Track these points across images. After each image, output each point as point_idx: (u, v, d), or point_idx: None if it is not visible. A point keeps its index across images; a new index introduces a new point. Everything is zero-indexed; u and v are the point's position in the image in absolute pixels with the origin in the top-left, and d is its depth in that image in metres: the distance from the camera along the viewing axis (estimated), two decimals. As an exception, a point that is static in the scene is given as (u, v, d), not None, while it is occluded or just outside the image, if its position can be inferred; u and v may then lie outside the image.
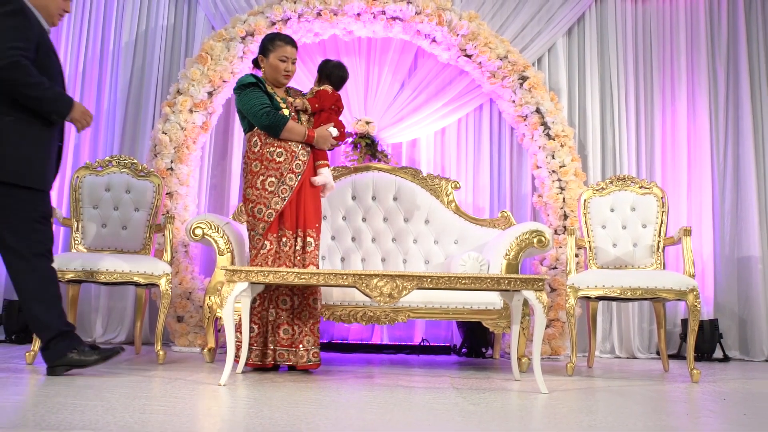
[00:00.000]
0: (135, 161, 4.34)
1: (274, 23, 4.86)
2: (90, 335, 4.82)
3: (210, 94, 4.79)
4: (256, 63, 3.78)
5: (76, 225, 4.18)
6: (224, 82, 4.82)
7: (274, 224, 3.56)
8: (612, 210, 4.26)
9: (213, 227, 4.00)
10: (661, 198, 4.21)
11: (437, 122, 5.25)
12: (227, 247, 3.99)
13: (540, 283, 3.05)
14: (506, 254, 3.99)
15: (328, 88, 3.80)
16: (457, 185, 4.74)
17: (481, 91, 5.19)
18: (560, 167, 4.83)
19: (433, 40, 5.00)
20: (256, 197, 3.57)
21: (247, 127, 3.68)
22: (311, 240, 3.60)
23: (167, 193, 4.65)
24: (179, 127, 4.70)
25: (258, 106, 3.55)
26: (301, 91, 3.93)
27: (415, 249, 4.62)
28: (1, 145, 3.01)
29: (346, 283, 3.03)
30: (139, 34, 5.29)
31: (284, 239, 3.56)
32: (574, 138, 5.08)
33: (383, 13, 4.87)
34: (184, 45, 5.31)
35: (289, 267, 3.52)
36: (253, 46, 4.84)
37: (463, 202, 5.06)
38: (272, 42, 3.70)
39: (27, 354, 3.52)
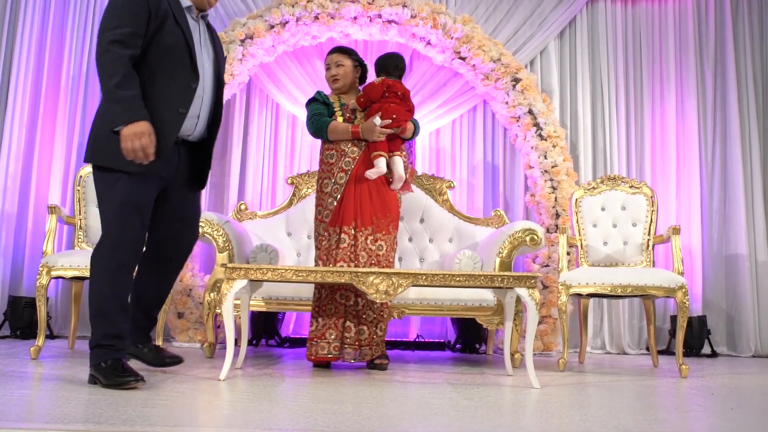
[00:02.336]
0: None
1: (272, 26, 4.89)
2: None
3: (210, 95, 4.82)
4: None
5: (79, 223, 4.22)
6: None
7: (332, 222, 3.58)
8: (603, 209, 4.31)
9: (213, 225, 4.04)
10: (651, 197, 4.26)
11: (432, 123, 5.29)
12: (226, 245, 4.03)
13: (532, 281, 3.07)
14: (499, 252, 4.01)
15: (377, 80, 3.74)
16: (452, 185, 4.78)
17: (474, 92, 5.23)
18: (552, 167, 4.87)
19: (428, 43, 5.05)
20: (318, 200, 3.67)
21: None
22: (345, 237, 3.54)
23: (167, 193, 4.68)
24: (179, 128, 4.72)
25: (308, 118, 3.71)
26: None
27: (410, 247, 4.65)
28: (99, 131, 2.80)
29: (343, 281, 3.05)
30: (141, 35, 5.32)
31: (332, 236, 3.58)
32: (566, 138, 5.13)
33: (379, 16, 4.92)
34: (185, 47, 5.35)
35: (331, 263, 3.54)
36: (252, 49, 4.88)
37: (457, 202, 5.10)
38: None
39: (31, 349, 3.54)
